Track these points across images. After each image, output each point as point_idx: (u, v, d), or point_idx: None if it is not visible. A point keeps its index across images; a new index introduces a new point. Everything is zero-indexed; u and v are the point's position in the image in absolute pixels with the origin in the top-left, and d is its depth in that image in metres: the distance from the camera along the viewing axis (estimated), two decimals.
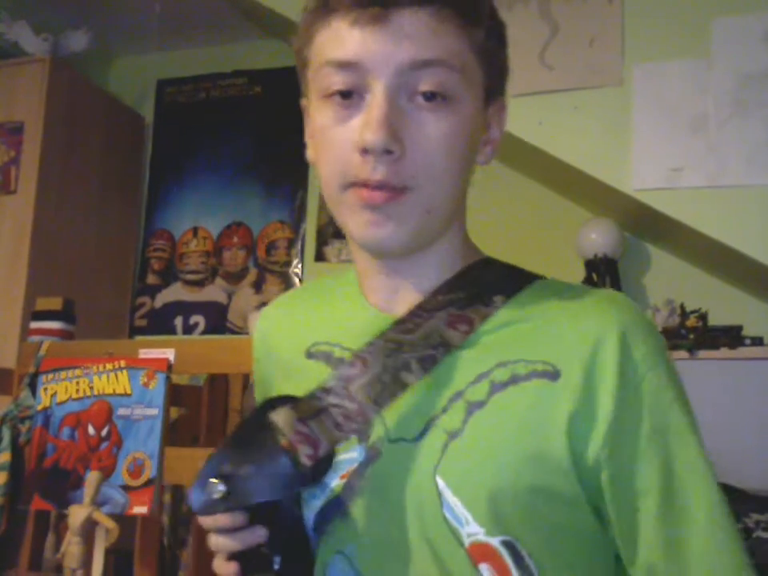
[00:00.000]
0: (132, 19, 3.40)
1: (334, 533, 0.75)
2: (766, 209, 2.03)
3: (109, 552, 1.56)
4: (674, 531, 0.67)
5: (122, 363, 1.63)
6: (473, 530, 0.68)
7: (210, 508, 0.67)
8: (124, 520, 1.55)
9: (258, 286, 3.37)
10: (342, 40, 0.69)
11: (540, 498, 0.67)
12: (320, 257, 3.28)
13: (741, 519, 1.85)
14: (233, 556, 0.70)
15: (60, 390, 1.66)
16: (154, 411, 1.59)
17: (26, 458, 1.65)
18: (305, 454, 0.67)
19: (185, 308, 3.46)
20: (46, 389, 1.67)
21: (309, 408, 0.70)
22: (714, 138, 2.08)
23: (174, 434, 2.02)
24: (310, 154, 0.77)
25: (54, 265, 3.03)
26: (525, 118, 2.29)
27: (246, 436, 0.70)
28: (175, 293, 3.50)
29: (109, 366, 1.63)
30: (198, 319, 3.43)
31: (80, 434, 1.62)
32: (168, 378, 1.61)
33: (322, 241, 3.29)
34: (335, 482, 0.74)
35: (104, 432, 1.60)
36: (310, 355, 0.81)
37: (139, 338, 3.37)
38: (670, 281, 2.69)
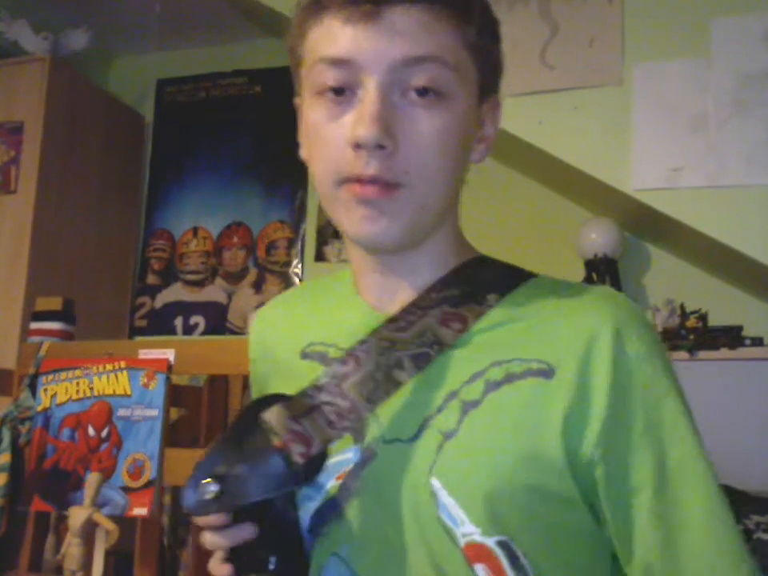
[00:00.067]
0: (132, 19, 3.40)
1: (330, 534, 0.75)
2: (766, 209, 2.03)
3: (109, 553, 1.55)
4: (669, 528, 0.66)
5: (122, 364, 1.63)
6: (468, 531, 0.67)
7: (203, 508, 0.67)
8: (124, 521, 1.55)
9: (258, 286, 3.37)
10: (335, 37, 0.69)
11: (535, 497, 0.67)
12: (320, 257, 3.28)
13: (741, 521, 1.85)
14: (228, 557, 0.70)
15: (60, 391, 1.66)
16: (154, 412, 1.59)
17: (26, 459, 1.65)
18: (297, 453, 0.67)
19: (185, 308, 3.46)
20: (46, 390, 1.67)
21: (301, 406, 0.70)
22: (714, 137, 2.08)
23: (174, 434, 2.02)
24: (303, 152, 0.77)
25: (53, 265, 3.03)
26: (525, 117, 2.29)
27: (239, 435, 0.69)
28: (175, 293, 3.50)
29: (109, 367, 1.63)
30: (198, 319, 3.42)
31: (80, 435, 1.62)
32: (168, 379, 1.61)
33: (322, 241, 3.29)
34: (331, 483, 0.74)
35: (104, 433, 1.60)
36: (305, 355, 0.81)
37: (139, 338, 3.37)
38: (670, 281, 2.69)
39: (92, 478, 1.53)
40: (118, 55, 3.74)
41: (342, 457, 0.74)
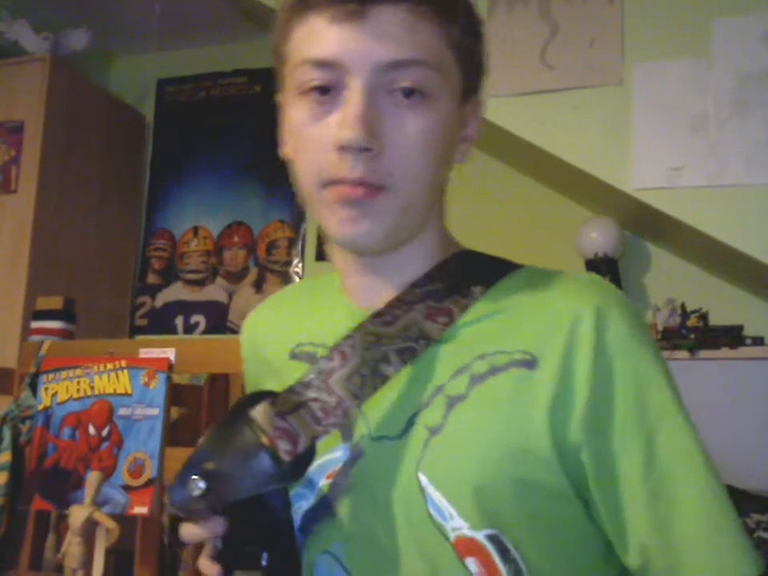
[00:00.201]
0: (132, 19, 3.40)
1: (321, 532, 0.75)
2: (766, 208, 2.03)
3: (109, 552, 1.56)
4: (661, 508, 0.66)
5: (123, 363, 1.63)
6: (457, 525, 0.68)
7: (190, 505, 0.67)
8: (124, 520, 1.55)
9: (258, 285, 3.37)
10: (320, 38, 0.68)
11: (524, 490, 0.67)
12: (321, 256, 3.28)
13: (741, 520, 1.85)
14: (218, 554, 0.70)
15: (61, 390, 1.66)
16: (155, 411, 1.59)
17: (26, 458, 1.65)
18: (284, 450, 0.66)
19: (185, 307, 3.46)
20: (46, 388, 1.67)
21: (288, 403, 0.69)
22: (714, 137, 2.08)
23: (175, 433, 2.02)
24: (286, 150, 0.77)
25: (54, 264, 3.03)
26: (525, 117, 2.29)
27: (226, 432, 0.69)
28: (176, 292, 3.50)
29: (109, 366, 1.63)
30: (199, 319, 3.43)
31: (81, 434, 1.62)
32: (169, 378, 1.61)
33: (322, 240, 3.29)
34: (322, 482, 0.74)
35: (105, 432, 1.60)
36: (294, 356, 0.82)
37: (140, 337, 3.37)
38: (671, 280, 2.70)
39: (92, 477, 1.53)
40: (119, 55, 3.75)
41: (332, 456, 0.74)
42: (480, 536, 0.67)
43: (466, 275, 0.76)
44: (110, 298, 3.38)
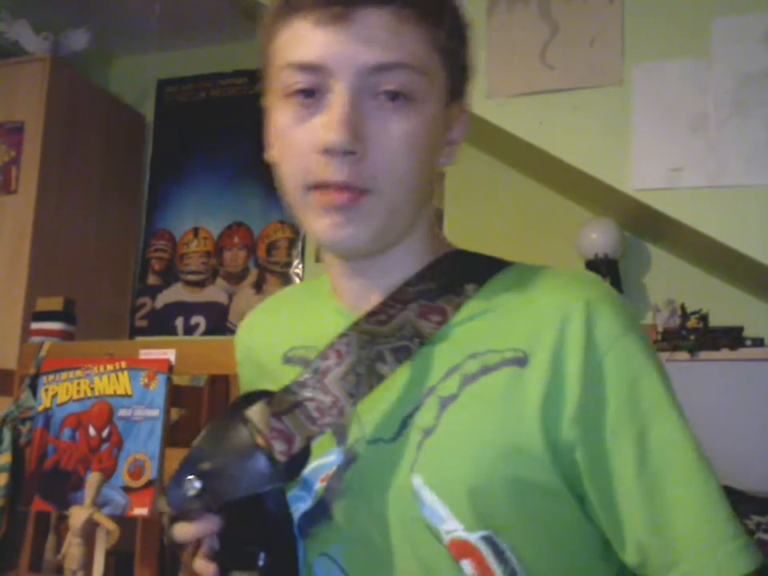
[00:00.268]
0: (132, 19, 3.40)
1: (318, 535, 0.75)
2: (766, 209, 2.03)
3: (109, 553, 1.55)
4: (655, 505, 0.66)
5: (123, 364, 1.63)
6: (451, 527, 0.67)
7: (186, 505, 0.68)
8: (125, 521, 1.55)
9: (258, 286, 3.37)
10: (304, 41, 0.68)
11: (518, 490, 0.67)
12: (321, 257, 3.28)
13: (741, 521, 1.85)
14: (215, 554, 0.70)
15: (61, 391, 1.66)
16: (155, 412, 1.59)
17: (26, 459, 1.65)
18: (279, 451, 0.66)
19: (185, 309, 3.46)
20: (46, 390, 1.67)
21: (283, 403, 0.69)
22: (714, 137, 2.08)
23: (175, 434, 2.02)
24: (271, 153, 0.77)
25: (54, 265, 3.03)
26: (525, 117, 2.29)
27: (222, 432, 0.69)
28: (176, 293, 3.50)
29: (109, 367, 1.63)
30: (199, 320, 3.43)
31: (81, 435, 1.62)
32: (169, 379, 1.61)
33: None
34: (317, 485, 0.74)
35: (105, 433, 1.60)
36: (287, 360, 0.82)
37: (140, 338, 3.37)
38: (671, 281, 2.70)
39: (93, 478, 1.53)
40: (119, 55, 3.75)
41: (327, 459, 0.74)
42: (474, 538, 0.67)
43: (458, 274, 0.76)
44: (110, 299, 3.38)
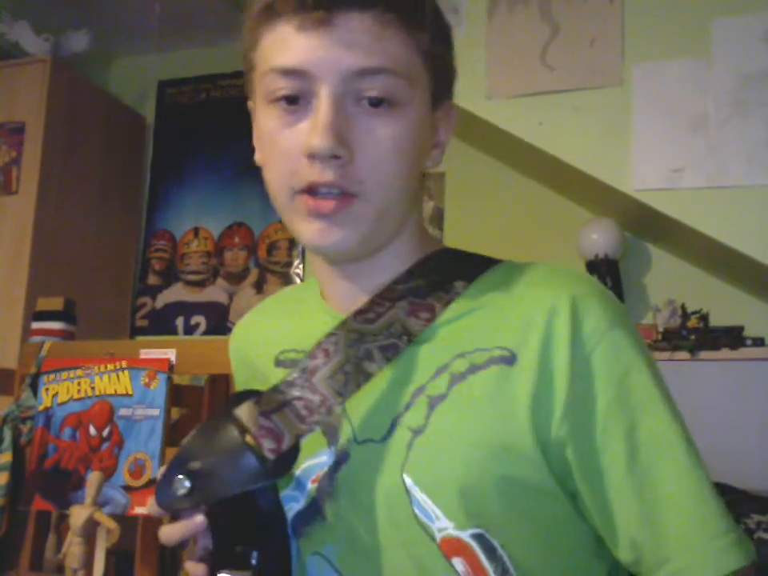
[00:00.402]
0: (132, 19, 3.40)
1: (311, 534, 0.75)
2: (766, 209, 2.03)
3: (110, 552, 1.56)
4: (646, 501, 0.65)
5: (124, 364, 1.63)
6: (443, 525, 0.68)
7: (175, 504, 0.68)
8: (125, 520, 1.55)
9: (259, 286, 3.37)
10: (288, 46, 0.68)
11: (509, 488, 0.67)
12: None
13: (742, 520, 1.85)
14: (207, 554, 0.70)
15: (61, 391, 1.66)
16: (156, 412, 1.59)
17: (27, 459, 1.65)
18: (268, 449, 0.67)
19: (186, 308, 3.46)
20: (47, 389, 1.67)
21: (272, 402, 0.70)
22: (714, 137, 2.08)
23: (176, 434, 2.01)
24: (258, 157, 0.77)
25: (55, 265, 3.04)
26: (525, 118, 2.29)
27: (211, 432, 0.69)
28: (176, 293, 3.50)
29: (110, 367, 1.64)
30: (199, 320, 3.43)
31: (81, 435, 1.62)
32: (169, 379, 1.61)
33: None
34: (309, 485, 0.75)
35: (105, 432, 1.61)
36: (279, 363, 0.82)
37: (140, 338, 3.37)
38: (671, 281, 2.70)
39: (93, 477, 1.53)
40: (119, 56, 3.75)
41: (318, 460, 0.74)
42: (465, 535, 0.67)
43: (447, 271, 0.76)
44: (110, 298, 3.38)
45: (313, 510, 0.75)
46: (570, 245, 2.69)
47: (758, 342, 2.33)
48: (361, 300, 0.75)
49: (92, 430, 1.61)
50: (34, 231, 2.95)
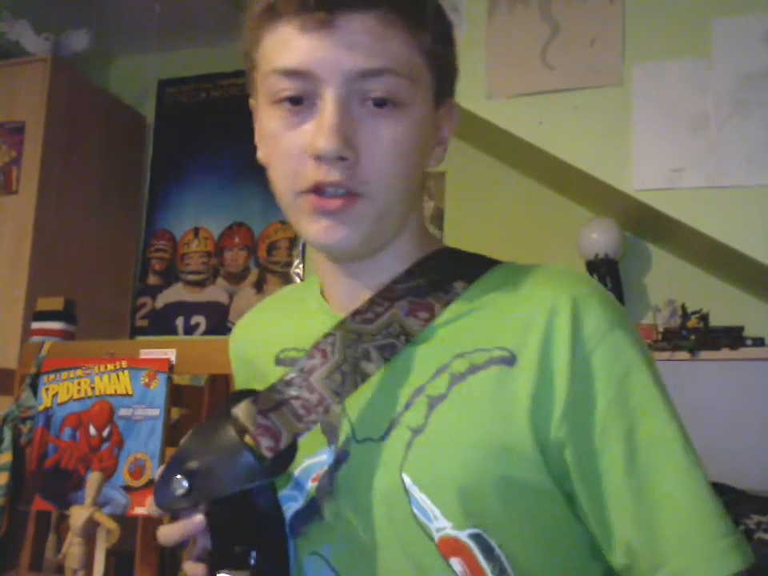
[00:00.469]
0: (132, 19, 3.40)
1: (309, 534, 0.75)
2: (766, 209, 2.03)
3: (110, 553, 1.56)
4: (643, 505, 0.65)
5: (124, 364, 1.63)
6: (441, 525, 0.68)
7: (174, 504, 0.68)
8: (125, 521, 1.55)
9: (259, 286, 3.37)
10: (290, 47, 0.68)
11: (508, 488, 0.67)
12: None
13: (741, 520, 1.85)
14: (205, 554, 0.70)
15: (61, 391, 1.66)
16: (156, 412, 1.59)
17: (27, 459, 1.65)
18: (266, 447, 0.67)
19: (186, 308, 3.46)
20: (47, 389, 1.67)
21: (269, 401, 0.70)
22: (714, 138, 2.08)
23: (176, 434, 2.01)
24: (260, 155, 0.77)
25: (55, 265, 3.04)
26: (525, 117, 2.29)
27: (208, 431, 0.70)
28: (176, 293, 3.50)
29: (110, 367, 1.64)
30: (199, 320, 3.43)
31: (81, 435, 1.62)
32: (169, 379, 1.61)
33: None
34: (308, 484, 0.75)
35: (105, 432, 1.61)
36: (279, 362, 0.82)
37: (140, 338, 3.37)
38: (671, 281, 2.70)
39: (93, 477, 1.53)
40: (119, 55, 3.75)
41: (318, 459, 0.74)
42: (463, 535, 0.68)
43: (447, 271, 0.76)
44: (110, 298, 3.38)
45: (311, 510, 0.75)
46: (570, 244, 2.69)
47: (758, 342, 2.33)
48: (362, 298, 0.76)
49: (92, 430, 1.61)
50: (34, 231, 2.95)
